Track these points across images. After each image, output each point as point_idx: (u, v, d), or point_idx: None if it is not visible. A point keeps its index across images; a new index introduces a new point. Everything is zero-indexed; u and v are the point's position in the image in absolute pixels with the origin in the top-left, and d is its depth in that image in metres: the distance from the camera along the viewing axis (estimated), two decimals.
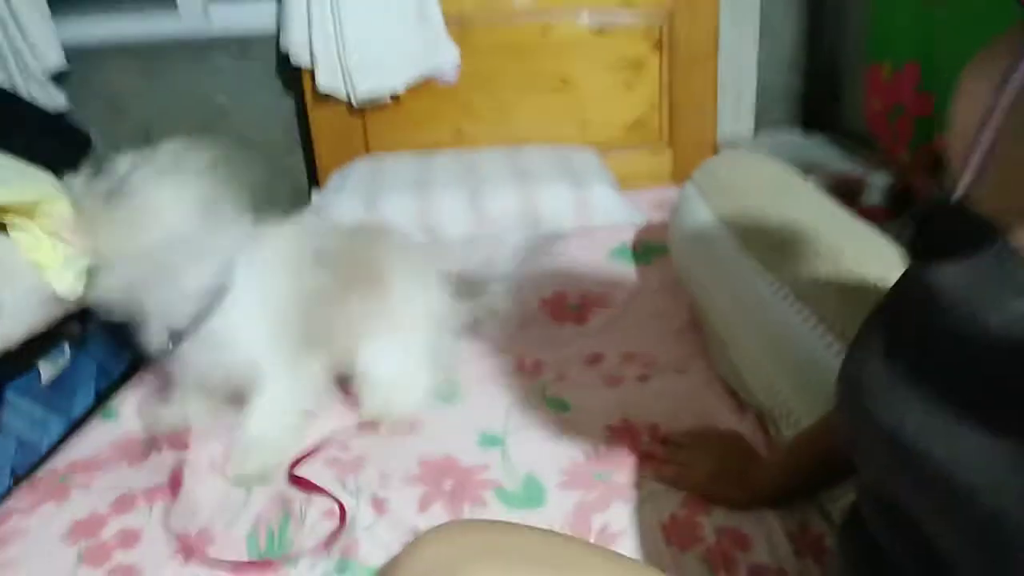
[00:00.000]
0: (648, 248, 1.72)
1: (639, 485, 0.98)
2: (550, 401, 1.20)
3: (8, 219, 1.02)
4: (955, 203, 0.50)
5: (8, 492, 1.07)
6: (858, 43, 2.02)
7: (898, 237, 1.03)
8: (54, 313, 1.11)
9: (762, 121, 2.29)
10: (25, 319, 1.03)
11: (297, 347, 1.09)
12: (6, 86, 2.17)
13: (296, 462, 1.08)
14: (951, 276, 0.47)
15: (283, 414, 1.10)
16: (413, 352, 1.19)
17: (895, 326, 0.52)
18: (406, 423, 1.15)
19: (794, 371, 0.99)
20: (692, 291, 1.36)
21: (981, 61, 0.53)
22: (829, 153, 2.03)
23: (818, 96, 2.30)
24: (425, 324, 1.21)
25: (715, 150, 2.15)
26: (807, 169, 1.91)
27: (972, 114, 0.50)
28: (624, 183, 2.03)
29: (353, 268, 1.16)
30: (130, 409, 1.27)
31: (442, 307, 1.25)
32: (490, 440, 1.10)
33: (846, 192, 1.85)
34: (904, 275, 0.55)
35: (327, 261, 1.12)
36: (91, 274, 1.11)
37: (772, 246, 1.15)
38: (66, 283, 1.06)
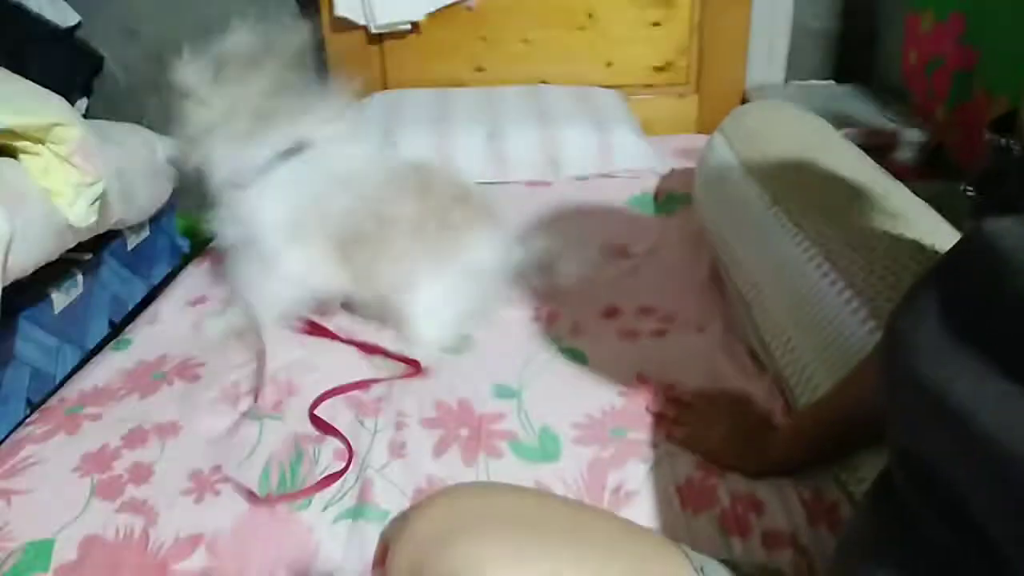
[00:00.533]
0: (671, 198, 1.68)
1: (655, 444, 0.97)
2: (566, 352, 1.18)
3: (19, 144, 0.98)
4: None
5: (23, 421, 1.08)
6: None
7: (937, 197, 1.00)
8: (66, 242, 1.09)
9: (794, 69, 2.21)
10: (36, 247, 1.01)
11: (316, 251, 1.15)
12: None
13: (317, 402, 1.08)
14: (1016, 237, 0.45)
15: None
16: (462, 293, 1.21)
17: (953, 286, 0.50)
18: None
19: (816, 334, 0.96)
20: (716, 245, 1.33)
21: None
22: (861, 106, 1.97)
23: (853, 45, 2.21)
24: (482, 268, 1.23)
25: (744, 97, 2.09)
26: (838, 121, 1.84)
27: None
28: (648, 128, 1.97)
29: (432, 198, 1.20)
30: (143, 339, 1.27)
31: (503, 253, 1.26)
32: (506, 392, 1.09)
33: (877, 147, 1.79)
34: (966, 235, 0.52)
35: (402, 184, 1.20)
36: (103, 201, 1.09)
37: (803, 203, 1.11)
38: (78, 211, 1.04)
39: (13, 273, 0.96)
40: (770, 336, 1.07)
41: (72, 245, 1.13)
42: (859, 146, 1.67)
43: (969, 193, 0.55)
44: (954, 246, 0.53)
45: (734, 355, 1.15)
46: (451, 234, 1.20)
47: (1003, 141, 0.56)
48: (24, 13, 2.09)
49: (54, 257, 1.08)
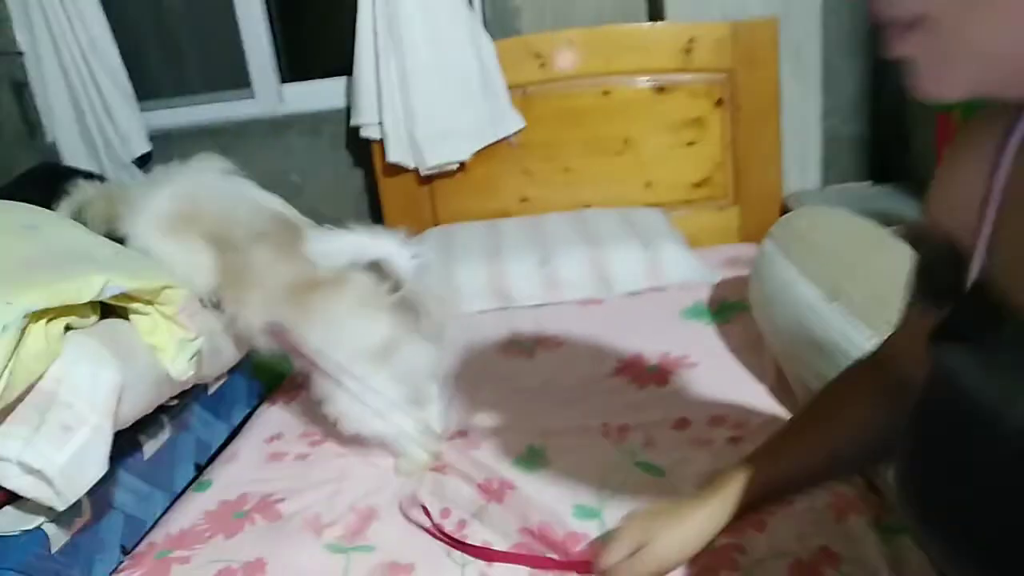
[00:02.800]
0: (725, 306, 1.71)
1: (743, 551, 0.95)
2: (642, 466, 1.18)
3: (131, 304, 1.07)
4: (969, 289, 0.50)
5: (117, 567, 1.10)
6: None
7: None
8: (164, 394, 1.16)
9: (831, 173, 2.28)
10: (141, 399, 1.08)
11: None
12: (94, 168, 2.30)
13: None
14: (971, 368, 0.48)
15: None
16: None
17: (928, 420, 0.52)
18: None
19: None
20: (778, 348, 1.35)
21: (967, 141, 0.54)
22: (901, 204, 2.01)
23: (887, 146, 2.28)
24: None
25: (782, 205, 2.15)
26: (880, 220, 1.88)
27: (969, 195, 0.51)
28: (692, 241, 2.04)
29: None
30: (222, 479, 1.31)
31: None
32: (587, 512, 1.09)
33: None
34: (931, 366, 0.54)
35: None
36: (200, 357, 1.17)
37: (859, 295, 1.14)
38: (179, 366, 1.11)
39: (119, 423, 1.01)
40: None
41: (167, 397, 1.20)
42: (906, 241, 1.71)
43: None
44: (926, 379, 0.54)
45: None
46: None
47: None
48: (101, 181, 2.27)
49: (152, 408, 1.14)
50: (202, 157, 1.44)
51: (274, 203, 1.45)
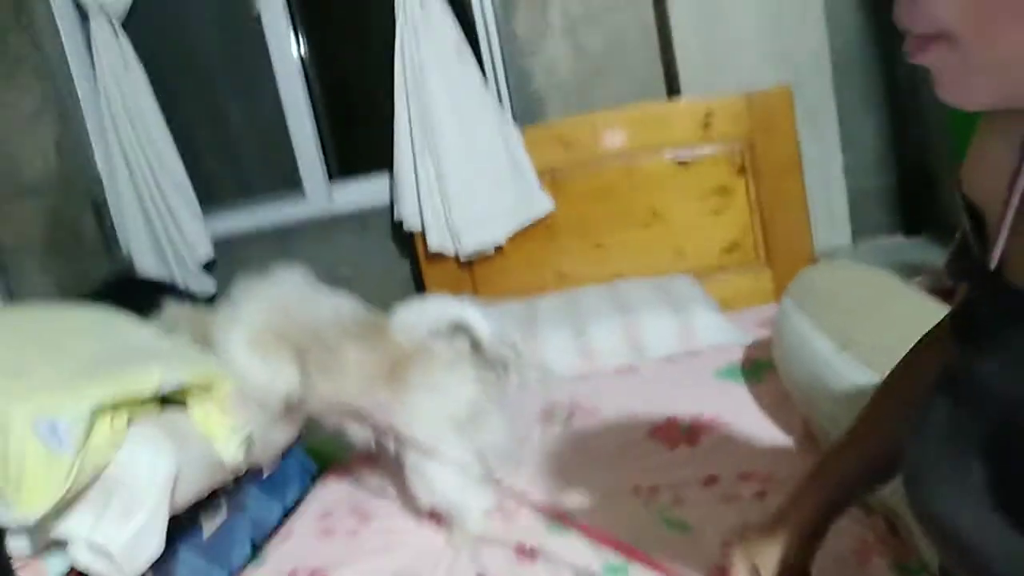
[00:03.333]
0: (757, 366, 1.74)
1: None
2: (669, 523, 1.22)
3: (188, 395, 1.20)
4: (991, 275, 0.49)
5: None
6: (944, 142, 2.05)
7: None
8: (218, 478, 1.26)
9: (862, 228, 2.31)
10: (196, 483, 1.18)
11: None
12: (165, 277, 2.50)
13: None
14: (989, 360, 0.47)
15: None
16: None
17: (944, 413, 0.51)
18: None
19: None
20: (801, 403, 1.37)
21: (993, 125, 0.54)
22: (933, 253, 2.02)
23: (915, 197, 2.30)
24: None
25: (814, 262, 2.18)
26: (912, 271, 1.90)
27: (1000, 169, 0.50)
28: (727, 305, 2.08)
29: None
30: (277, 555, 1.39)
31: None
32: (614, 569, 1.13)
33: (954, 290, 1.82)
34: (950, 367, 0.54)
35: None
36: (248, 443, 1.28)
37: (870, 346, 1.17)
38: (231, 451, 1.22)
39: (176, 506, 1.12)
40: None
41: (221, 482, 1.31)
42: (935, 291, 1.72)
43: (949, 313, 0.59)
44: (943, 369, 0.54)
45: None
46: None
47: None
48: (172, 288, 2.47)
49: (208, 492, 1.24)
50: (281, 268, 1.56)
51: (350, 303, 1.52)
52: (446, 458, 1.26)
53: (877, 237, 2.29)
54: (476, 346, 1.33)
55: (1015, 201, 0.48)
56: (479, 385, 1.32)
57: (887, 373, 1.08)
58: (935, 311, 1.25)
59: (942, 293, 1.76)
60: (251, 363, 1.32)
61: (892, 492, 1.04)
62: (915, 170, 2.27)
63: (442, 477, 1.29)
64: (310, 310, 1.44)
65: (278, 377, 1.33)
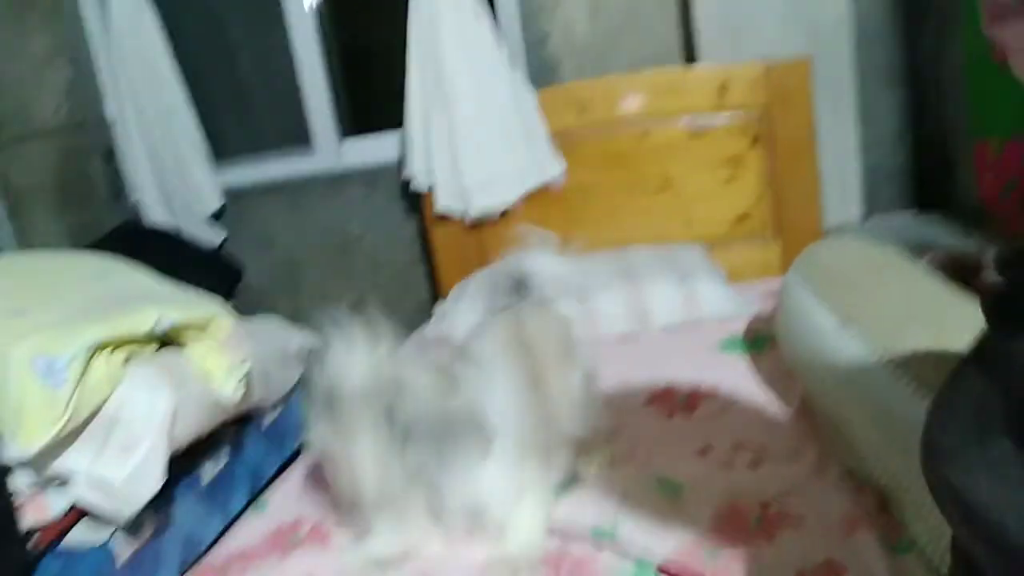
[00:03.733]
0: (759, 338, 1.73)
1: (748, 563, 0.98)
2: (661, 485, 1.22)
3: (184, 335, 1.20)
4: None
5: None
6: (962, 120, 2.01)
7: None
8: (217, 418, 1.28)
9: (874, 204, 2.28)
10: (193, 423, 1.20)
11: None
12: (172, 225, 2.50)
13: None
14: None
15: None
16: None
17: (974, 387, 0.51)
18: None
19: (902, 443, 0.99)
20: (800, 375, 1.37)
21: None
22: (945, 232, 1.99)
23: (929, 175, 2.27)
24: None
25: (824, 237, 2.16)
26: (923, 249, 1.88)
27: None
28: (735, 276, 2.07)
29: None
30: (279, 500, 1.41)
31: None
32: (602, 533, 1.14)
33: (964, 270, 1.80)
34: (985, 332, 0.54)
35: None
36: (247, 382, 1.28)
37: (873, 322, 1.16)
38: (229, 390, 1.23)
39: (174, 445, 1.13)
40: (864, 452, 1.09)
41: (221, 422, 1.32)
42: (945, 269, 1.70)
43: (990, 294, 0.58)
44: (976, 346, 0.54)
45: (830, 477, 1.16)
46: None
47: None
48: (179, 238, 2.48)
49: (207, 431, 1.26)
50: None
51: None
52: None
53: (889, 213, 2.26)
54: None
55: None
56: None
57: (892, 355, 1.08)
58: (938, 289, 1.24)
59: (950, 271, 1.74)
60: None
61: (883, 471, 1.04)
62: (932, 149, 2.24)
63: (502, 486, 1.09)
64: None
65: None
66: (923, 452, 0.55)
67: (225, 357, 1.22)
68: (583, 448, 1.25)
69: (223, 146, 2.63)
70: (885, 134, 2.27)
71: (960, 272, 1.75)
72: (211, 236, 2.55)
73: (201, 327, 1.20)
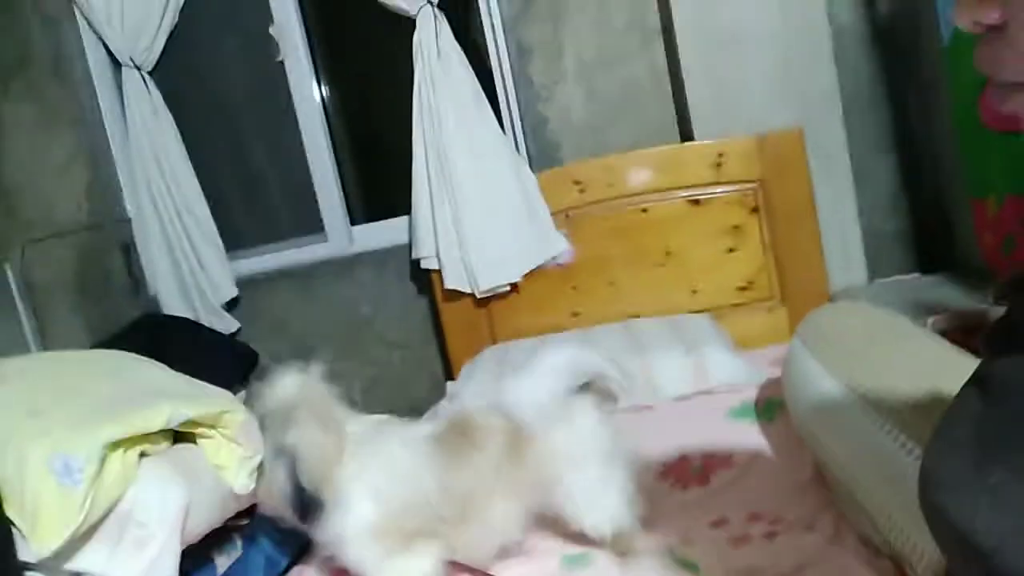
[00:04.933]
0: (770, 405, 1.73)
1: None
2: (679, 563, 1.21)
3: (197, 430, 1.23)
4: None
5: None
6: (957, 181, 2.05)
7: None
8: (229, 510, 1.29)
9: (877, 267, 2.31)
10: (207, 516, 1.21)
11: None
12: (189, 315, 2.56)
13: None
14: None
15: None
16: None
17: (972, 419, 0.52)
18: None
19: (913, 507, 0.98)
20: (811, 443, 1.37)
21: None
22: (949, 292, 2.01)
23: (930, 237, 2.30)
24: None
25: (830, 301, 2.17)
26: (927, 310, 1.89)
27: None
28: (742, 343, 2.08)
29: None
30: None
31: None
32: None
33: (971, 328, 1.81)
34: (982, 366, 0.55)
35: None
36: (260, 472, 1.30)
37: (878, 388, 1.17)
38: (241, 481, 1.25)
39: (188, 538, 1.14)
40: (875, 517, 1.09)
41: (233, 513, 1.33)
42: (951, 329, 1.71)
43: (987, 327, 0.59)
44: (970, 379, 0.55)
45: (847, 544, 1.15)
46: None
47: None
48: (197, 326, 2.53)
49: (220, 523, 1.27)
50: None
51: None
52: None
53: (893, 276, 2.28)
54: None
55: None
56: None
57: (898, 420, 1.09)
58: (943, 355, 1.25)
59: (955, 334, 1.75)
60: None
61: (896, 536, 1.03)
62: (930, 211, 2.27)
63: None
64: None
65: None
66: (920, 482, 0.55)
67: (236, 450, 1.24)
68: (620, 541, 1.25)
69: (237, 237, 2.70)
70: (882, 198, 2.31)
71: (966, 332, 1.76)
72: (226, 323, 2.60)
73: (213, 421, 1.23)
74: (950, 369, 1.15)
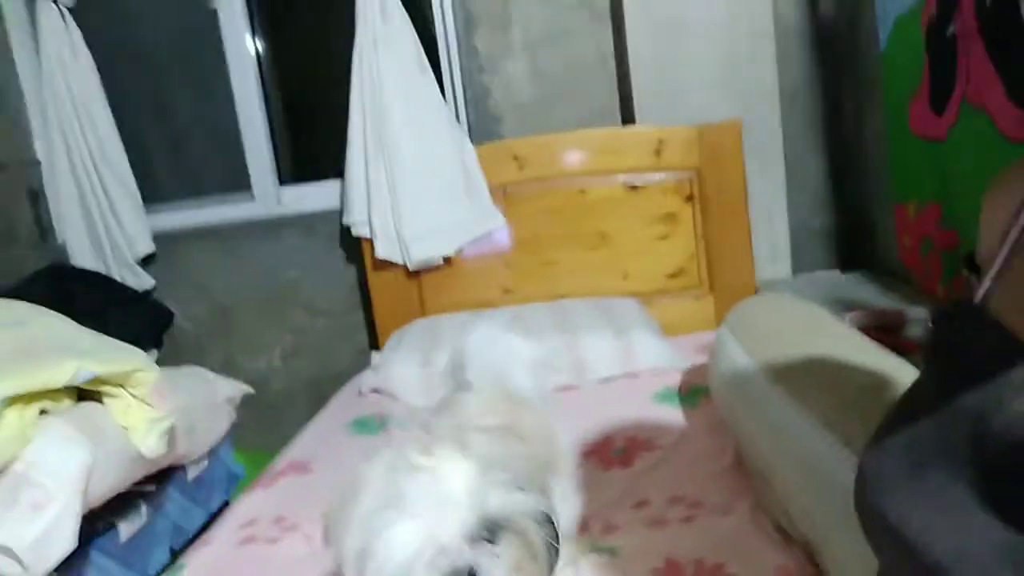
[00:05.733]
0: (694, 391, 1.76)
1: None
2: (597, 548, 1.22)
3: (103, 388, 1.16)
4: (972, 306, 0.53)
5: None
6: (883, 183, 2.12)
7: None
8: (136, 473, 1.22)
9: (801, 262, 2.37)
10: (111, 477, 1.14)
11: None
12: (101, 270, 2.43)
13: None
14: (960, 378, 0.50)
15: None
16: None
17: (910, 424, 0.53)
18: None
19: (825, 497, 1.01)
20: (733, 429, 1.40)
21: (1003, 181, 0.57)
22: (868, 290, 2.08)
23: (853, 236, 2.38)
24: None
25: (755, 293, 2.22)
26: (847, 307, 1.96)
27: (996, 227, 0.54)
28: (670, 329, 2.11)
29: None
30: (196, 564, 1.34)
31: None
32: None
33: (887, 327, 1.88)
34: (921, 376, 0.57)
35: None
36: (170, 436, 1.23)
37: (800, 379, 1.20)
38: (150, 444, 1.18)
39: (90, 501, 1.08)
40: (789, 505, 1.11)
41: (140, 476, 1.26)
42: (869, 326, 1.77)
43: (929, 324, 0.61)
44: (913, 385, 0.58)
45: (762, 530, 1.17)
46: None
47: (972, 277, 0.59)
48: (108, 281, 2.40)
49: (125, 487, 1.20)
50: None
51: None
52: None
53: (815, 271, 2.35)
54: None
55: (1005, 250, 0.53)
56: None
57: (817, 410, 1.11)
58: (864, 349, 1.29)
59: (871, 331, 1.81)
60: None
61: (808, 524, 1.06)
62: (854, 211, 2.35)
63: None
64: None
65: None
66: (857, 486, 0.57)
67: (146, 411, 1.17)
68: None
69: (157, 190, 2.57)
70: (809, 197, 2.37)
71: (882, 330, 1.82)
72: (141, 280, 2.48)
73: (122, 380, 1.15)
74: (870, 363, 1.19)
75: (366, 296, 2.46)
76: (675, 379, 1.85)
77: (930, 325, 0.58)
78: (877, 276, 2.17)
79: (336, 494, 0.92)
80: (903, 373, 1.16)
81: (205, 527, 1.48)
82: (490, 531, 0.79)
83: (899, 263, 2.07)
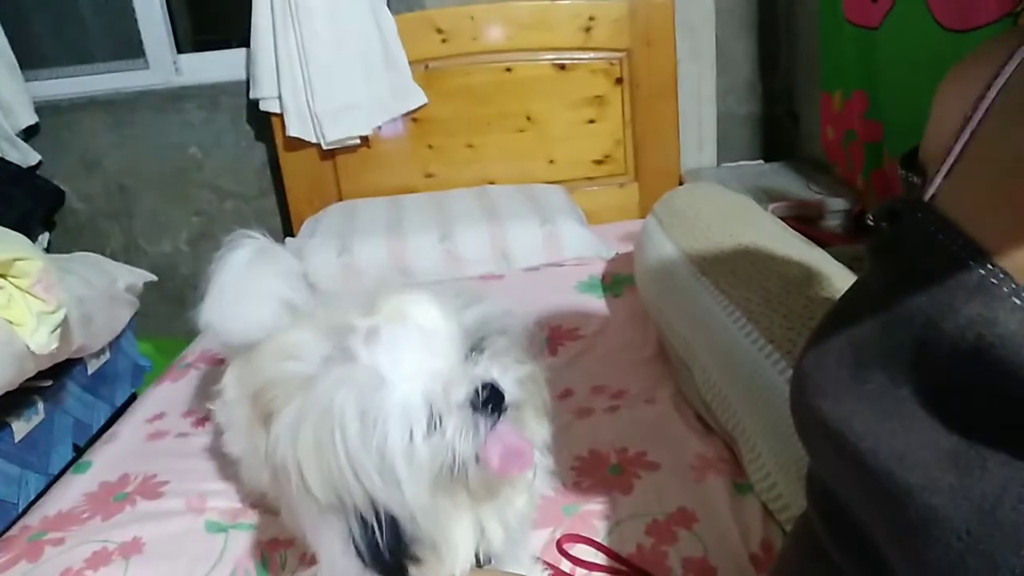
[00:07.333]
0: (617, 280, 1.75)
1: (606, 515, 1.00)
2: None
3: None
4: (921, 203, 0.50)
5: None
6: (811, 72, 2.09)
7: (860, 258, 1.06)
8: (27, 369, 1.13)
9: (725, 151, 2.35)
10: None
11: None
12: None
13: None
14: (908, 280, 0.48)
15: None
16: None
17: (852, 326, 0.52)
18: None
19: (745, 388, 1.02)
20: (657, 319, 1.40)
21: (960, 72, 0.54)
22: (790, 180, 2.09)
23: (778, 125, 2.36)
24: None
25: (680, 182, 2.21)
26: (769, 196, 1.97)
27: (949, 122, 0.51)
28: (593, 218, 2.08)
29: None
30: (103, 460, 1.28)
31: None
32: None
33: (806, 217, 1.91)
34: (866, 275, 0.55)
35: None
36: (63, 328, 1.14)
37: (726, 271, 1.19)
38: (39, 339, 1.08)
39: None
40: (709, 396, 1.13)
41: (32, 373, 1.17)
42: (790, 217, 1.79)
43: (870, 221, 0.59)
44: (855, 284, 0.56)
45: (683, 419, 1.20)
46: None
47: (910, 177, 0.57)
48: None
49: (15, 385, 1.11)
50: None
51: None
52: None
53: (739, 160, 2.34)
54: None
55: (958, 145, 0.50)
56: None
57: (741, 301, 1.11)
58: (789, 242, 1.29)
59: (797, 217, 1.83)
60: None
61: (727, 415, 1.08)
62: (780, 99, 2.32)
63: None
64: None
65: None
66: (795, 387, 0.55)
67: (33, 303, 1.06)
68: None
69: (35, 54, 2.31)
70: (739, 83, 2.33)
71: (802, 221, 1.85)
72: (24, 155, 2.26)
73: (3, 270, 1.04)
74: (795, 256, 1.19)
75: (278, 178, 2.32)
76: (598, 268, 1.83)
77: (872, 222, 0.55)
78: (800, 166, 2.18)
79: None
80: (826, 267, 1.17)
81: (111, 423, 1.40)
82: (476, 346, 0.72)
83: (821, 153, 2.08)
